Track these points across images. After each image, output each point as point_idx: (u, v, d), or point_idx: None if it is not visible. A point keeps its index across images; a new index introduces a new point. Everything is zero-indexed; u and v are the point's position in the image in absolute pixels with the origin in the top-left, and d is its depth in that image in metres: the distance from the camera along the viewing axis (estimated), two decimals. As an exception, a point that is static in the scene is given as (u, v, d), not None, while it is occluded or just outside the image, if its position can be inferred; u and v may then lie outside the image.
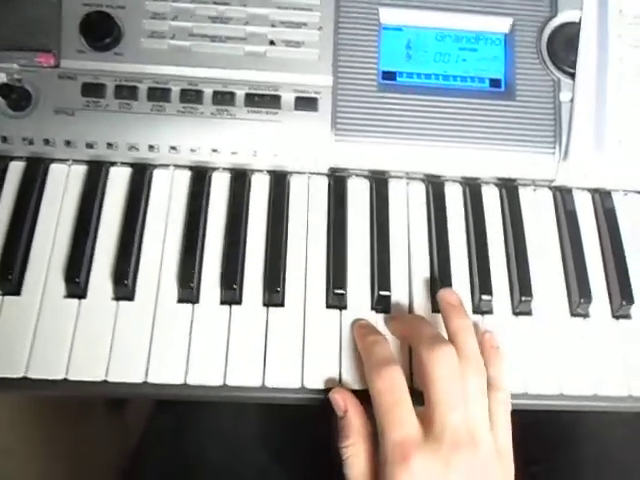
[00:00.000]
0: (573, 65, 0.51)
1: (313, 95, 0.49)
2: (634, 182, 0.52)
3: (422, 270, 0.48)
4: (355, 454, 0.40)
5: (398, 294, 0.47)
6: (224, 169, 0.50)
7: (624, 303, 0.47)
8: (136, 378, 0.43)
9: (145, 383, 0.42)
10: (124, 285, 0.44)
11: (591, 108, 0.50)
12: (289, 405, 0.44)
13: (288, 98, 0.48)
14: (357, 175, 0.51)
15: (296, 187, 0.50)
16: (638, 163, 0.50)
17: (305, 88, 0.49)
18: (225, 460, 0.57)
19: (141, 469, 0.59)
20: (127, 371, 0.43)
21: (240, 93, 0.48)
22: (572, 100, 0.50)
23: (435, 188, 0.51)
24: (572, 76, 0.51)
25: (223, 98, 0.48)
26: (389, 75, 0.51)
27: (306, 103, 0.48)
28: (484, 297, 0.46)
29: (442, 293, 0.44)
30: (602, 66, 0.50)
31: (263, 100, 0.48)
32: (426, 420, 0.38)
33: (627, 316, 0.48)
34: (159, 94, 0.47)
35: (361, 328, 0.45)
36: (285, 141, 0.48)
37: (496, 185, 0.52)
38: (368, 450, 0.40)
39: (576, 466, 0.60)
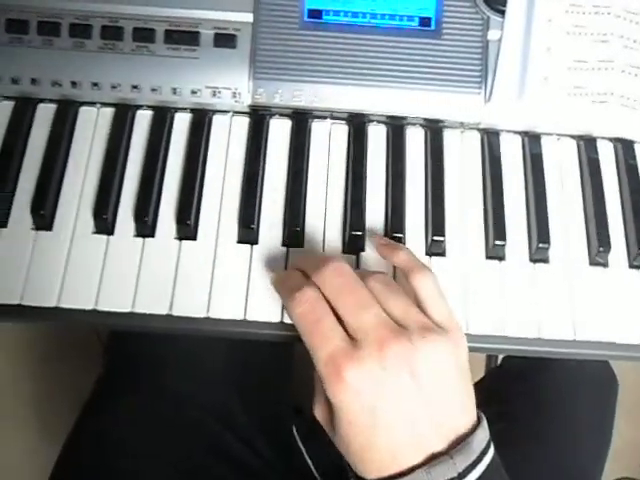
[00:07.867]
0: (504, 2, 0.49)
1: (232, 32, 0.48)
2: (557, 126, 0.50)
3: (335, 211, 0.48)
4: None
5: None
6: (148, 107, 0.50)
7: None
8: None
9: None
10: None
11: (518, 48, 0.48)
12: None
13: (207, 35, 0.48)
14: (280, 115, 0.51)
15: (217, 126, 0.50)
16: (558, 107, 0.48)
17: (225, 25, 0.48)
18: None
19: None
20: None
21: (160, 30, 0.48)
22: (500, 39, 0.49)
23: (358, 128, 0.50)
24: (503, 14, 0.49)
25: (143, 35, 0.48)
26: (315, 13, 0.50)
27: (225, 40, 0.48)
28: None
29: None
30: (531, 4, 0.48)
31: (182, 37, 0.48)
32: (349, 334, 0.36)
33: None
34: (80, 30, 0.48)
35: (276, 277, 0.43)
36: (204, 78, 0.48)
37: (422, 126, 0.51)
38: None
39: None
